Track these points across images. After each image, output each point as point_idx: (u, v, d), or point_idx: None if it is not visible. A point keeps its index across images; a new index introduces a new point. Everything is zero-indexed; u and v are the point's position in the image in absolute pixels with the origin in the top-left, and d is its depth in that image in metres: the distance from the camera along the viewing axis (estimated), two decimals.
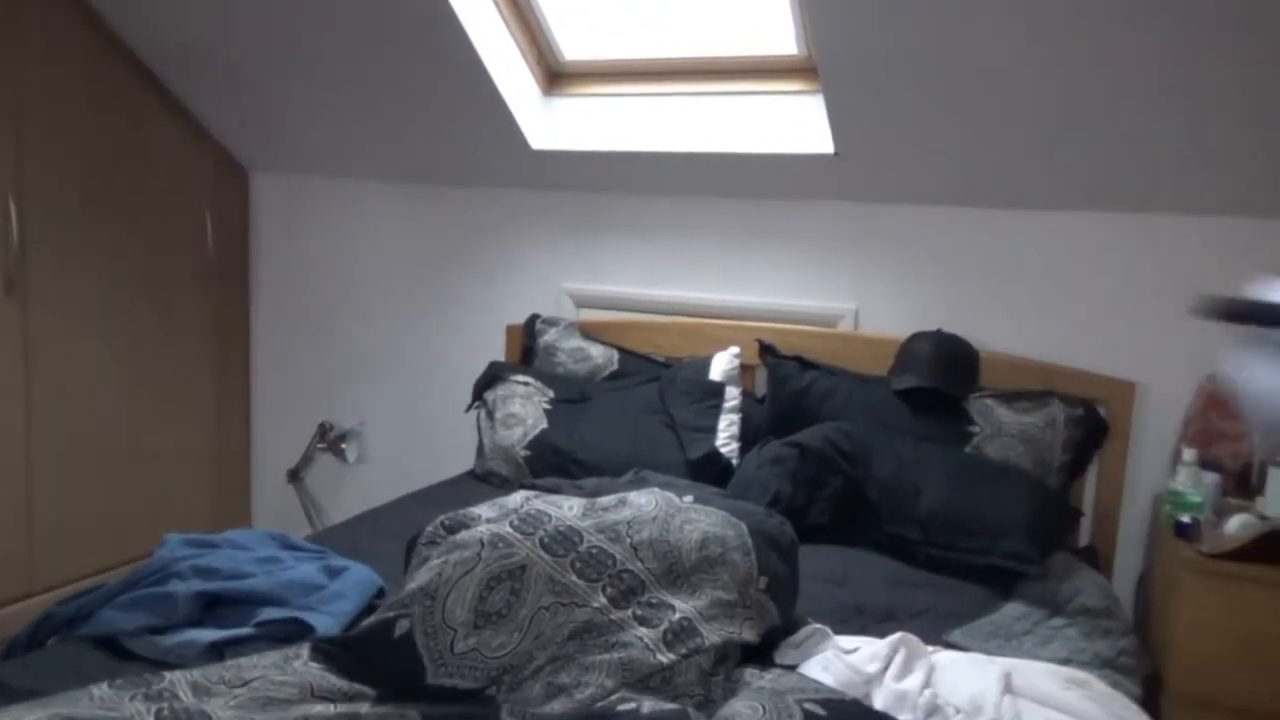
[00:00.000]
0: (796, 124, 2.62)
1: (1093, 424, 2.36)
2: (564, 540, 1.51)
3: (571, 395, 2.65)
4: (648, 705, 1.34)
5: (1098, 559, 2.30)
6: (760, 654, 1.54)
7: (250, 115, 3.27)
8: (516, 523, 1.54)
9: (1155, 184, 2.35)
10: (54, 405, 2.98)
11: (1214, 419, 2.29)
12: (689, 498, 1.70)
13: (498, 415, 2.64)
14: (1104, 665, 1.66)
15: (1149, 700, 1.70)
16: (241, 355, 3.64)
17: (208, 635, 1.51)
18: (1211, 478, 2.17)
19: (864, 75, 2.31)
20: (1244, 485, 2.20)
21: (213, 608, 1.60)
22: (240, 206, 3.56)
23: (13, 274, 2.81)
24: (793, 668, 1.51)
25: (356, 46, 2.78)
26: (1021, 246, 2.57)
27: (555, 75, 2.95)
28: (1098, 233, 2.49)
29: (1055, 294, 2.54)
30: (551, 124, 2.92)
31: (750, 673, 1.46)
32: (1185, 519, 2.06)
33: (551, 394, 2.65)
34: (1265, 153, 2.18)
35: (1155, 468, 2.43)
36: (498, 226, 3.20)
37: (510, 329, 3.03)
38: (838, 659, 1.51)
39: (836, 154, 2.54)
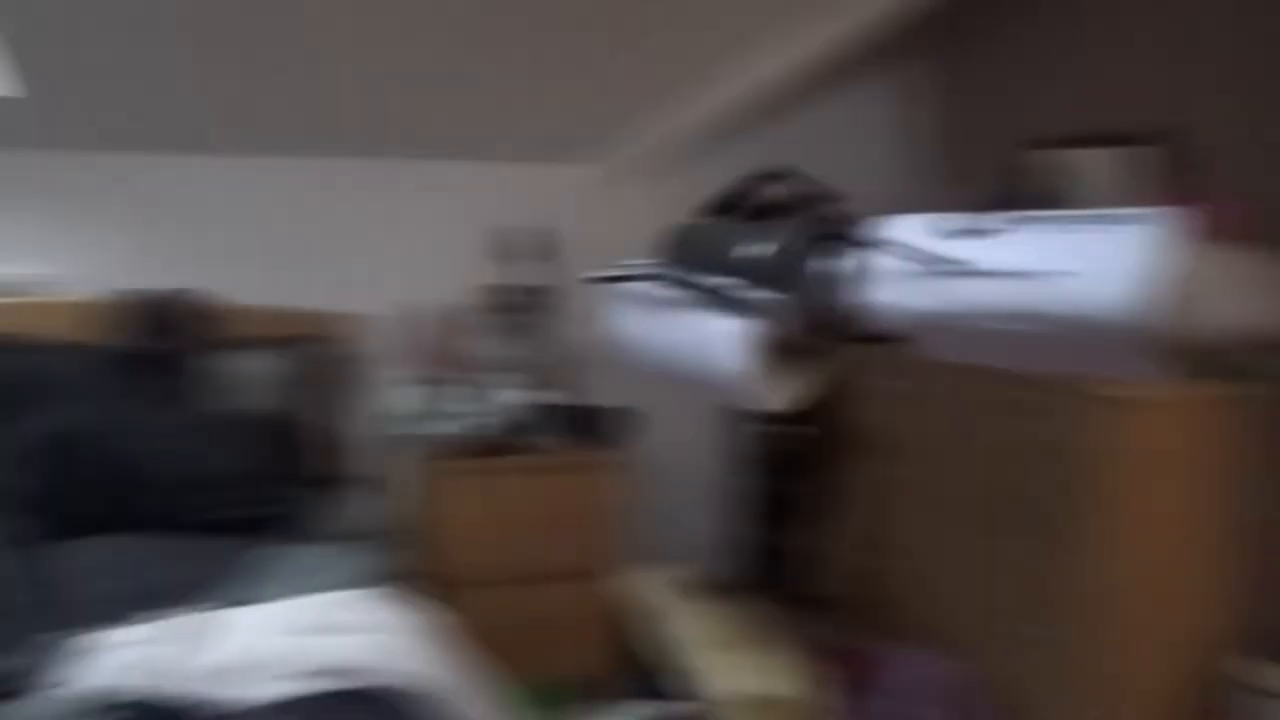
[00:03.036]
0: None
1: (333, 359, 2.43)
2: None
3: None
4: None
5: (364, 483, 2.41)
6: (14, 683, 1.29)
7: None
8: None
9: (367, 133, 2.47)
10: None
11: (425, 341, 2.54)
12: None
13: None
14: (386, 579, 1.74)
15: (440, 595, 1.85)
16: None
17: None
18: (422, 391, 2.41)
19: (29, 8, 1.97)
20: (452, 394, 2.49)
21: None
22: None
23: None
24: (61, 685, 1.30)
25: None
26: (246, 194, 2.51)
27: None
28: (322, 178, 2.55)
29: (282, 239, 2.54)
30: None
31: (6, 709, 1.22)
32: (408, 430, 2.28)
33: None
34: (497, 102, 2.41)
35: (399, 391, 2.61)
36: None
37: None
38: (115, 657, 1.34)
39: (18, 97, 2.15)
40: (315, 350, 2.39)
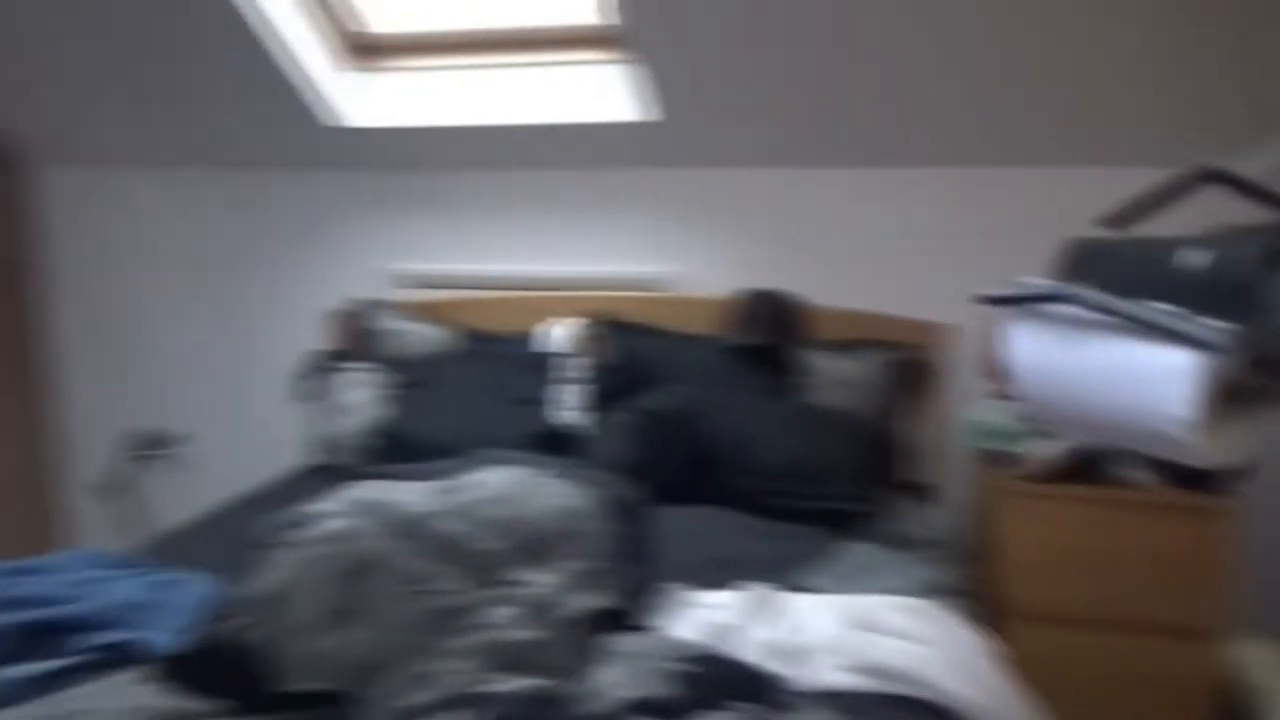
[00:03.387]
0: (615, 93, 2.62)
1: (916, 366, 2.48)
2: (413, 527, 1.47)
3: (405, 379, 2.58)
4: (513, 684, 1.33)
5: (934, 493, 2.43)
6: (623, 619, 1.55)
7: (31, 106, 3.01)
8: (362, 514, 1.49)
9: (958, 140, 2.48)
10: None
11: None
12: (537, 471, 1.69)
13: (330, 405, 2.54)
14: (945, 592, 1.75)
15: (995, 620, 1.82)
16: (42, 362, 3.36)
17: (32, 669, 1.39)
18: (1014, 406, 2.33)
19: (678, 41, 2.32)
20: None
21: (35, 639, 1.47)
22: (27, 201, 3.28)
23: None
24: (656, 629, 1.53)
25: (142, 26, 2.59)
26: (840, 203, 2.66)
27: (366, 49, 2.84)
28: (909, 187, 2.61)
29: (873, 246, 2.65)
30: (364, 100, 2.81)
31: (615, 639, 1.47)
32: (994, 446, 2.21)
33: (384, 378, 2.57)
34: (1032, 107, 2.33)
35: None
36: (313, 210, 3.06)
37: (332, 315, 2.92)
38: (699, 615, 1.53)
39: (656, 121, 2.56)
40: (902, 356, 2.46)
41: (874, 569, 1.83)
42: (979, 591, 1.87)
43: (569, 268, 2.86)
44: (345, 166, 2.98)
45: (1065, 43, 2.16)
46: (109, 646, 1.46)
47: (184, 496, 3.25)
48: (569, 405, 2.47)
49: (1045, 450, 2.17)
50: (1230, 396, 0.56)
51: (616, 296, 2.72)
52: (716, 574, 1.77)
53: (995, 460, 2.24)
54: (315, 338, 2.97)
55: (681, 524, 2.00)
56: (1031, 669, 1.64)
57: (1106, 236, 0.70)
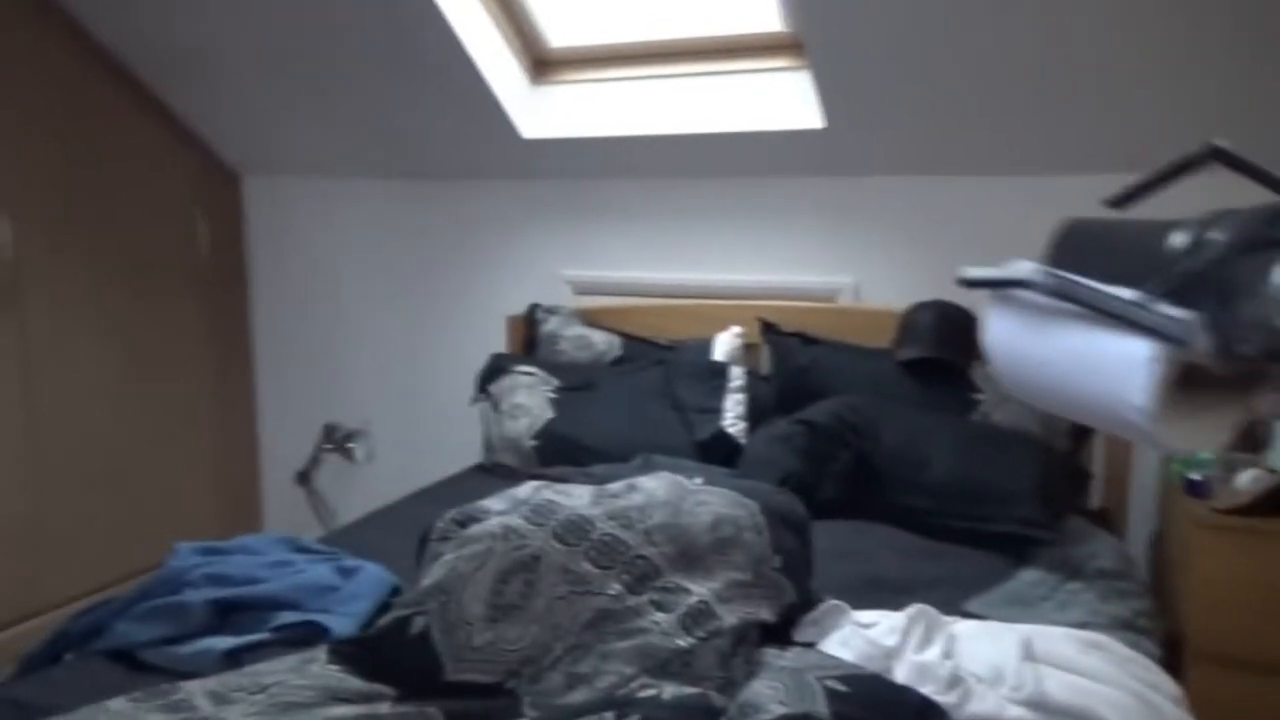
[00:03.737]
0: (786, 101, 2.61)
1: None
2: (576, 529, 1.51)
3: (576, 383, 2.64)
4: (668, 690, 1.34)
5: (1110, 521, 2.30)
6: (779, 633, 1.53)
7: (237, 118, 3.26)
8: (527, 514, 1.54)
9: (1143, 145, 2.34)
10: (55, 418, 2.97)
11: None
12: (698, 480, 1.70)
13: (503, 407, 2.63)
14: (1121, 627, 1.65)
15: (1168, 659, 1.70)
16: (243, 359, 3.63)
17: (223, 643, 1.51)
18: None
19: (851, 48, 2.29)
20: (1251, 440, 2.19)
21: (227, 615, 1.59)
22: (233, 210, 3.55)
23: (7, 286, 2.80)
24: (812, 645, 1.51)
25: (340, 44, 2.76)
26: (1016, 213, 2.55)
27: (544, 63, 2.93)
28: (1092, 195, 2.47)
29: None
30: (542, 112, 2.90)
31: (770, 652, 1.46)
32: (1195, 476, 2.06)
33: (556, 383, 2.64)
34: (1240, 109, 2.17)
35: None
36: (493, 217, 3.18)
37: (510, 320, 3.02)
38: (856, 634, 1.50)
39: (827, 128, 2.53)
40: None
41: (1047, 598, 1.74)
42: (1154, 627, 1.74)
43: (741, 276, 2.86)
44: (526, 176, 3.08)
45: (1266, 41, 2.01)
46: (294, 625, 1.56)
47: (362, 488, 3.43)
48: (732, 414, 2.47)
49: (1246, 481, 2.01)
50: (1203, 384, 0.54)
51: (788, 306, 2.70)
52: (878, 593, 1.73)
53: (1189, 489, 2.09)
54: (493, 341, 3.08)
55: (842, 539, 1.97)
56: (1210, 714, 1.52)
57: (1102, 218, 0.68)
